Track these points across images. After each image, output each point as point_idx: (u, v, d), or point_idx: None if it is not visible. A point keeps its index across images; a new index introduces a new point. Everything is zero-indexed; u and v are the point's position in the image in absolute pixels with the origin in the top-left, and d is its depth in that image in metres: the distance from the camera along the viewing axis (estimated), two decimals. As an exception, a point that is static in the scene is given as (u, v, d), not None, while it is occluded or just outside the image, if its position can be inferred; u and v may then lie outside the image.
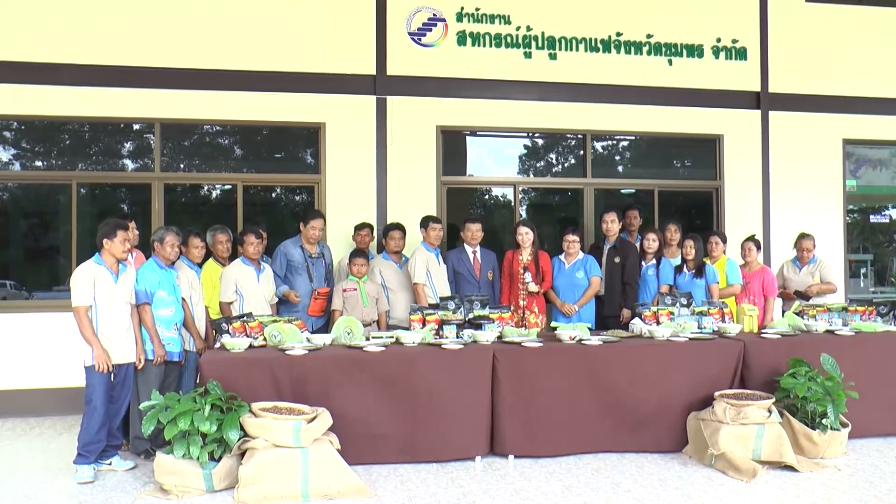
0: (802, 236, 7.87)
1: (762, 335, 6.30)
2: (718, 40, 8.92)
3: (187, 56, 7.87)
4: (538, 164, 9.02)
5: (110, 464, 5.55)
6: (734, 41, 8.97)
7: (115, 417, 5.56)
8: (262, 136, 8.34)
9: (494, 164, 8.83)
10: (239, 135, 8.30)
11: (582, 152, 8.86)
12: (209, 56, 7.90)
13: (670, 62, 8.80)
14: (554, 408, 5.63)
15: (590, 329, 6.38)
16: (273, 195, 8.51)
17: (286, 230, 7.76)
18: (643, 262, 7.38)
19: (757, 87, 9.03)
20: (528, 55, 8.50)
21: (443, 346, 5.66)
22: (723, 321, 6.57)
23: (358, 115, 8.14)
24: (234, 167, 8.25)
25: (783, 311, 7.58)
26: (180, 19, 7.89)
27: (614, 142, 9.16)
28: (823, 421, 5.58)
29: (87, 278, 5.40)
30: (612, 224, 7.41)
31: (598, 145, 9.04)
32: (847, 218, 9.34)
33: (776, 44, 9.09)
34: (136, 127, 8.03)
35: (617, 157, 9.21)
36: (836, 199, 9.21)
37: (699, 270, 7.19)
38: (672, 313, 6.55)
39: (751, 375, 5.95)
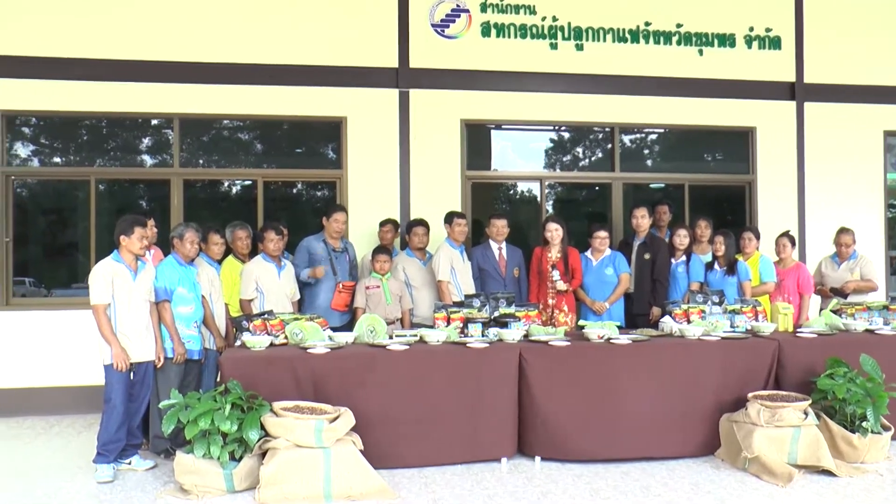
0: (842, 231, 7.75)
1: (798, 334, 6.22)
2: (751, 29, 8.82)
3: (206, 50, 7.90)
4: (565, 159, 8.98)
5: (130, 463, 5.59)
6: (768, 30, 8.85)
7: (134, 416, 5.60)
8: (283, 130, 8.36)
9: (520, 159, 8.80)
10: (259, 129, 8.32)
11: (610, 146, 8.80)
12: (228, 50, 7.93)
13: (701, 52, 8.70)
14: (582, 409, 5.60)
15: (619, 327, 6.32)
16: (294, 191, 8.54)
17: (307, 226, 7.78)
18: (673, 259, 7.32)
19: (792, 78, 8.91)
20: (553, 46, 8.45)
21: (468, 345, 5.64)
22: (756, 320, 6.50)
23: (380, 109, 8.13)
24: (255, 162, 8.28)
25: (820, 310, 7.48)
26: (199, 13, 7.93)
27: (643, 135, 9.08)
28: (863, 424, 5.50)
29: (105, 276, 5.44)
30: (642, 220, 7.35)
31: (627, 138, 8.97)
32: (888, 213, 9.19)
33: (812, 32, 8.96)
34: (154, 122, 8.08)
35: (646, 151, 9.14)
36: (876, 193, 9.06)
37: (731, 267, 7.12)
38: (703, 311, 6.49)
39: (786, 376, 5.87)
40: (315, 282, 6.93)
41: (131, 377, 5.52)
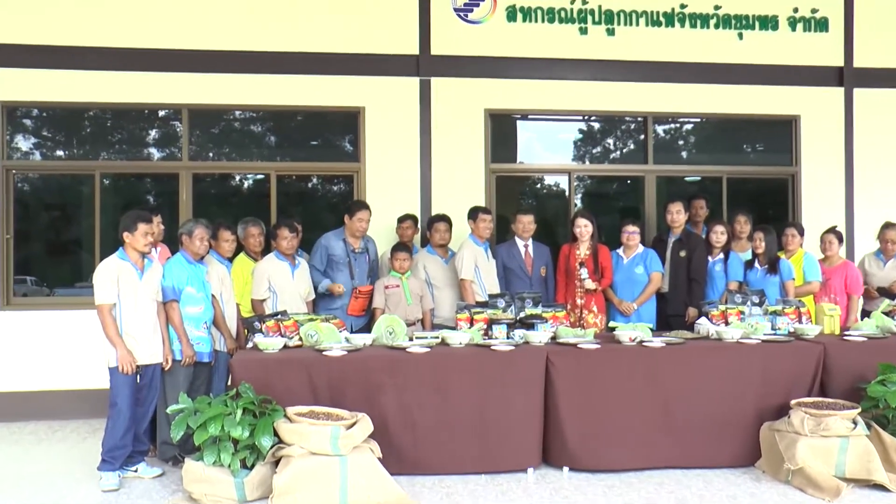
0: (888, 226, 7.67)
1: (845, 337, 6.17)
2: (795, 10, 8.72)
3: (217, 37, 7.94)
4: (595, 150, 8.95)
5: (136, 470, 5.63)
6: (814, 11, 8.75)
7: (141, 421, 5.64)
8: (297, 121, 8.39)
9: (547, 150, 8.78)
10: (272, 121, 8.35)
11: (642, 136, 8.75)
12: (240, 37, 7.96)
13: (741, 36, 8.62)
14: (613, 416, 5.58)
15: (652, 330, 6.31)
16: (309, 185, 8.56)
17: (323, 223, 7.81)
18: (710, 257, 7.29)
19: (840, 62, 8.79)
20: (583, 31, 8.42)
21: (492, 348, 5.64)
22: (800, 322, 6.44)
23: (400, 99, 8.13)
24: (267, 155, 8.31)
25: (862, 311, 7.41)
26: (209, -3, 7.98)
27: (678, 125, 9.03)
28: (920, 435, 5.43)
29: (110, 274, 5.48)
30: (677, 215, 7.32)
31: (661, 129, 8.92)
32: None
33: (863, 12, 8.82)
34: (162, 113, 8.13)
35: (681, 142, 9.09)
36: (930, 185, 8.95)
37: (773, 266, 7.06)
38: (742, 313, 6.45)
39: (832, 382, 5.82)
40: (325, 293, 6.96)
41: (138, 380, 5.54)
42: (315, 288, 6.91)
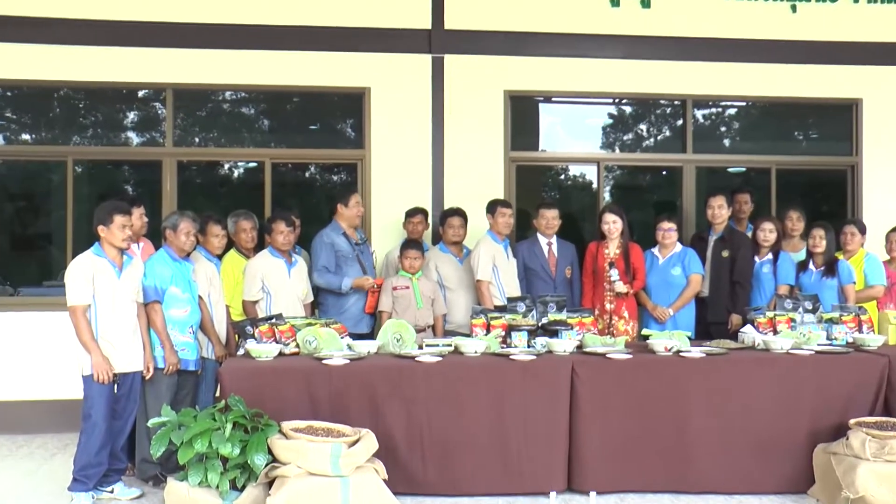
0: None
1: (912, 349, 6.13)
2: (857, -21, 8.69)
3: (205, 9, 7.94)
4: (626, 137, 8.96)
5: (112, 491, 5.63)
6: (878, -21, 8.72)
7: (118, 436, 5.64)
8: (295, 104, 8.40)
9: (573, 137, 8.79)
10: (267, 102, 8.37)
11: (681, 122, 8.75)
12: (231, 8, 7.96)
13: (794, 8, 8.58)
14: (646, 434, 5.57)
15: (690, 338, 6.29)
16: (307, 174, 8.58)
17: (323, 216, 7.80)
18: (757, 258, 7.26)
19: (908, 37, 8.74)
20: (615, 3, 8.40)
21: (511, 357, 5.63)
22: (860, 331, 6.41)
23: (410, 78, 8.14)
24: (261, 141, 8.33)
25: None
26: (197, -36, 7.98)
27: (721, 109, 9.03)
28: None
29: (84, 272, 5.48)
30: (719, 210, 7.30)
31: (701, 113, 8.92)
32: None
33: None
34: (143, 93, 8.16)
35: (724, 128, 9.09)
36: None
37: (829, 268, 7.03)
38: (793, 320, 6.42)
39: (898, 399, 5.80)
40: (351, 293, 6.94)
41: (115, 390, 5.54)
42: (325, 290, 6.92)
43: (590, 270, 7.25)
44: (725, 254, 7.21)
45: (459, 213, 7.31)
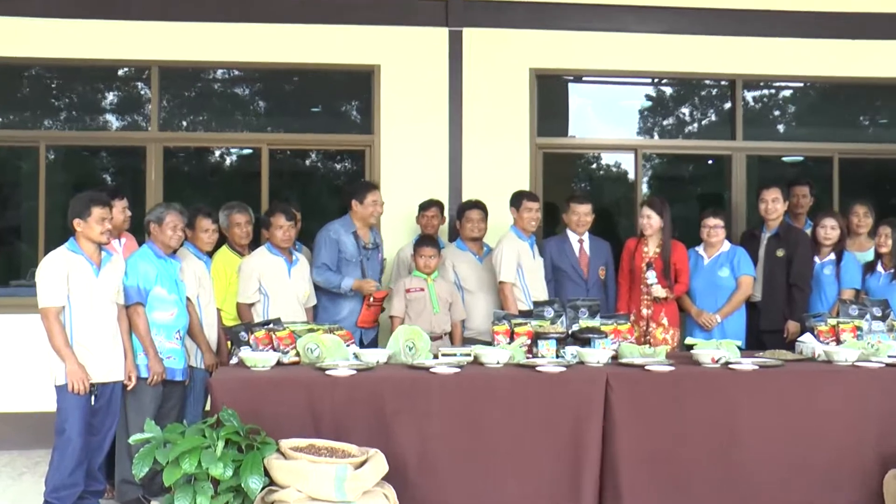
0: None
1: None
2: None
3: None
4: (668, 122, 9.00)
5: (89, 516, 5.64)
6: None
7: (95, 454, 5.64)
8: (295, 83, 8.43)
9: (608, 122, 8.83)
10: (263, 82, 8.40)
11: (729, 105, 8.76)
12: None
13: (857, -23, 8.58)
14: (689, 456, 5.51)
15: (740, 349, 6.28)
16: (308, 162, 8.60)
17: (326, 209, 7.84)
18: (817, 258, 7.24)
19: None
20: (656, -30, 8.43)
21: (537, 369, 5.58)
22: (936, 341, 6.36)
23: (424, 55, 8.15)
24: (257, 125, 8.37)
25: None
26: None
27: (774, 90, 9.05)
28: None
29: (58, 271, 5.47)
30: (773, 204, 7.26)
31: (752, 95, 8.93)
32: None
33: None
34: (124, 71, 8.19)
35: (778, 112, 9.10)
36: None
37: (901, 269, 7.02)
38: (859, 328, 6.38)
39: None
40: (350, 294, 6.95)
41: (92, 402, 5.53)
42: (320, 291, 6.92)
43: (626, 271, 7.24)
44: (780, 253, 7.18)
45: (479, 206, 7.30)
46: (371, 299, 6.93)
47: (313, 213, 7.62)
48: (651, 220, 7.06)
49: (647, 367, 5.64)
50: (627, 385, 5.52)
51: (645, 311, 7.08)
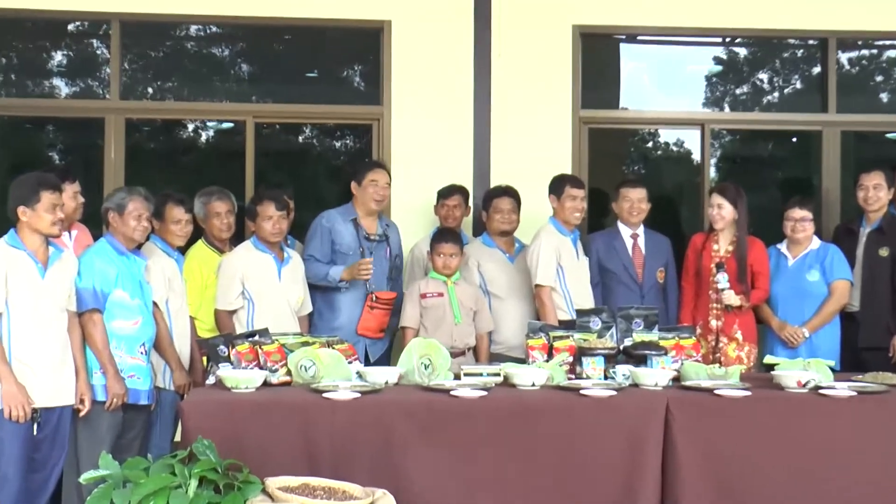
0: None
1: None
2: None
3: None
4: (741, 91, 9.02)
5: (31, 571, 5.65)
6: None
7: (37, 495, 5.61)
8: (287, 43, 8.50)
9: (668, 91, 8.90)
10: (247, 41, 8.46)
11: (818, 69, 8.76)
12: None
13: None
14: (770, 497, 5.47)
15: (833, 370, 6.25)
16: (302, 139, 8.58)
17: (324, 196, 7.84)
18: (931, 257, 7.25)
19: None
20: None
21: (582, 392, 5.54)
22: None
23: (444, 9, 8.18)
24: (240, 93, 8.41)
25: None
26: None
27: (875, 51, 9.05)
28: None
29: (-7, 269, 5.50)
30: (875, 191, 7.25)
31: (848, 57, 8.96)
32: None
33: None
34: (77, 26, 8.19)
35: (880, 78, 9.09)
36: None
37: None
38: None
39: None
40: (342, 286, 6.96)
41: (34, 432, 5.52)
42: (322, 292, 6.97)
43: (691, 273, 7.25)
44: (884, 252, 7.17)
45: (511, 193, 7.32)
46: (374, 298, 6.93)
47: (309, 201, 7.62)
48: (722, 211, 7.03)
49: (716, 392, 5.58)
50: (692, 413, 5.48)
51: (714, 323, 7.07)
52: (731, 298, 6.94)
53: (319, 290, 6.99)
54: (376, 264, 7.03)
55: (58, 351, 5.59)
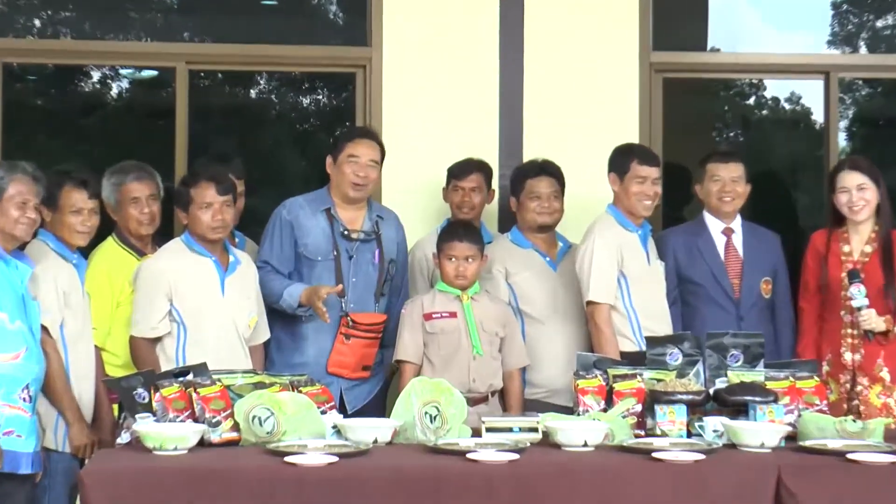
0: None
1: None
2: None
3: None
4: (882, 25, 8.86)
5: None
6: None
7: None
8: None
9: (777, 27, 8.89)
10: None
11: None
12: None
13: None
14: None
15: None
16: (256, 94, 8.56)
17: (290, 175, 7.76)
18: None
19: None
20: None
21: (654, 456, 5.48)
22: None
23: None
24: (169, 30, 8.35)
25: None
26: None
27: None
28: None
29: None
30: None
31: None
32: None
33: None
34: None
35: None
36: None
37: None
38: None
39: None
40: (302, 313, 6.98)
41: None
42: (272, 301, 6.98)
43: (812, 286, 7.23)
44: None
45: (551, 171, 7.33)
46: (349, 323, 6.90)
47: (266, 182, 7.57)
48: (865, 194, 7.00)
49: (849, 456, 5.51)
50: (815, 486, 5.43)
51: (848, 356, 7.07)
52: (873, 321, 6.90)
53: (285, 319, 6.99)
54: (359, 274, 7.06)
55: None
